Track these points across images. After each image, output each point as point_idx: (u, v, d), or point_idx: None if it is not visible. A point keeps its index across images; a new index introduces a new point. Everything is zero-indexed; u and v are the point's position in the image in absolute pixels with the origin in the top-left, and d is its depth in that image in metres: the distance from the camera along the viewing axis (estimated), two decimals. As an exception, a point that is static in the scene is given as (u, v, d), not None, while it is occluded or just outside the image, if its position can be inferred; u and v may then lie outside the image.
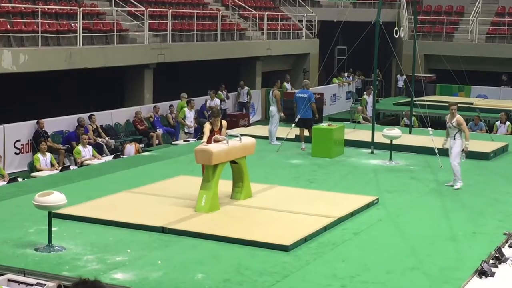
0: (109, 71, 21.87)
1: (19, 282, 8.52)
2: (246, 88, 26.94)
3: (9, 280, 8.50)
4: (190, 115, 21.71)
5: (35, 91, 20.68)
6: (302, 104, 17.66)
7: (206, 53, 25.60)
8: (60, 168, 16.10)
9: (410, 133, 19.84)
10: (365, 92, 27.24)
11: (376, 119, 19.55)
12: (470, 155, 16.96)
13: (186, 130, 21.57)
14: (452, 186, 13.99)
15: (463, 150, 13.93)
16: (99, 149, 18.49)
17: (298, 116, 17.58)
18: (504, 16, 34.23)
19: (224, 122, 12.39)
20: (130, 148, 18.38)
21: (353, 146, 17.80)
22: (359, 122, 22.95)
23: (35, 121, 18.29)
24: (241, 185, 12.17)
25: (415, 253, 9.89)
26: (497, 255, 9.50)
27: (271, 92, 18.85)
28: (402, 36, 18.68)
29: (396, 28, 18.73)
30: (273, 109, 18.47)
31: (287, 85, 27.70)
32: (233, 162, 12.02)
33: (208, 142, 11.77)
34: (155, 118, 22.13)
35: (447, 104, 25.72)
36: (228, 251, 9.77)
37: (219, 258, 9.50)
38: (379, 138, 16.85)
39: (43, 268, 8.93)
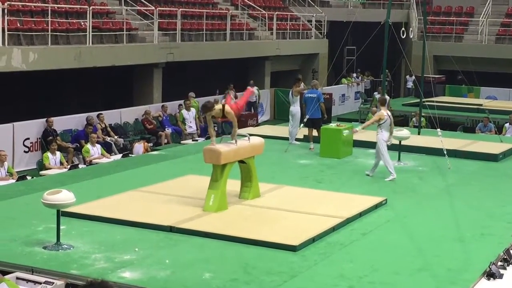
0: (118, 70, 21.91)
1: (28, 280, 8.54)
2: (255, 88, 26.86)
3: (17, 278, 8.53)
4: (189, 116, 21.76)
5: (45, 89, 20.74)
6: (311, 104, 17.64)
7: (215, 52, 25.61)
8: (69, 166, 16.14)
9: (419, 133, 19.81)
10: (375, 92, 27.22)
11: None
12: (478, 156, 17.01)
13: (187, 131, 21.61)
14: (368, 175, 14.74)
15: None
16: (108, 148, 18.53)
17: (307, 116, 17.57)
18: (514, 17, 34.14)
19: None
20: (139, 147, 18.41)
21: (362, 147, 17.77)
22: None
23: (44, 119, 18.35)
24: (249, 184, 12.17)
25: (423, 254, 9.86)
26: (505, 257, 9.47)
27: (290, 92, 18.69)
28: (411, 36, 18.60)
29: (403, 28, 18.68)
30: (293, 109, 18.29)
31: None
32: (241, 161, 12.02)
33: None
34: (164, 117, 22.16)
35: (456, 105, 25.71)
36: (236, 250, 9.77)
37: (226, 257, 9.50)
38: (388, 138, 16.81)
39: (51, 266, 8.95)
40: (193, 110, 22.07)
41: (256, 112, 26.73)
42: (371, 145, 17.71)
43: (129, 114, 21.50)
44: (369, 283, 8.74)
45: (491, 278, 8.91)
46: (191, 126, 21.68)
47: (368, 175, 14.76)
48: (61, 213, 9.81)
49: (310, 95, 17.99)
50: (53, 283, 8.38)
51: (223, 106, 11.66)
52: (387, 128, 14.65)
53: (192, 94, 22.80)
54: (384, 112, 14.63)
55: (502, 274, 9.01)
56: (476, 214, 12.13)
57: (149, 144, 19.49)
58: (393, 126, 14.94)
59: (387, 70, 19.54)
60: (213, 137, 11.73)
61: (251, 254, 9.63)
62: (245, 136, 12.23)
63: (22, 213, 11.34)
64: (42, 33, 19.38)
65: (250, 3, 30.23)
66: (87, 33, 20.47)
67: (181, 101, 22.84)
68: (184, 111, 21.83)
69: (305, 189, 13.36)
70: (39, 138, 18.25)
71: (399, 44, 18.86)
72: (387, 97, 21.26)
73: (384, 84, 19.44)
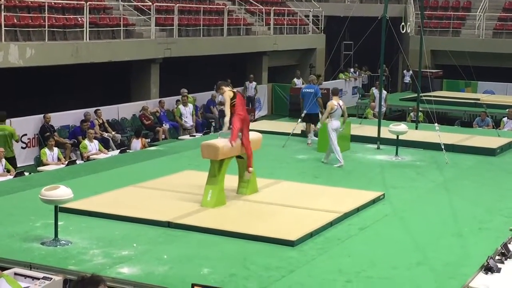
0: (115, 65, 21.88)
1: (26, 276, 8.54)
2: (254, 82, 26.88)
3: (15, 274, 8.52)
4: (186, 111, 21.75)
5: (42, 85, 20.70)
6: (308, 99, 17.65)
7: (213, 48, 25.59)
8: (66, 162, 16.12)
9: (416, 128, 19.82)
10: (373, 87, 27.18)
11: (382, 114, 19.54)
12: (476, 150, 17.03)
13: (183, 126, 21.60)
14: (323, 162, 15.49)
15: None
16: (105, 143, 18.52)
17: (305, 111, 17.58)
18: (511, 12, 34.10)
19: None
20: (136, 143, 18.40)
21: (359, 142, 17.78)
22: (365, 118, 22.87)
23: (42, 115, 18.32)
24: (247, 180, 12.17)
25: (421, 248, 9.88)
26: (503, 251, 9.48)
27: None
28: (409, 31, 18.62)
29: (403, 23, 18.70)
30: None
31: (297, 81, 27.63)
32: (239, 157, 12.02)
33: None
34: (161, 113, 22.15)
35: (454, 100, 25.68)
36: (234, 246, 9.77)
37: (225, 252, 9.51)
38: (385, 133, 16.83)
39: (49, 262, 8.96)
40: (190, 105, 22.07)
41: (253, 107, 26.73)
42: (369, 139, 17.80)
43: (126, 110, 21.48)
44: (367, 278, 8.75)
45: (489, 272, 8.91)
46: (186, 121, 21.67)
47: (323, 162, 15.48)
48: (59, 209, 9.81)
49: (307, 90, 18.02)
50: (51, 278, 8.39)
51: (232, 92, 11.89)
52: (338, 117, 15.25)
53: (184, 90, 22.69)
54: (335, 102, 15.29)
55: (500, 268, 9.02)
56: (474, 209, 12.14)
57: (147, 140, 19.48)
58: (346, 115, 15.60)
59: (384, 65, 19.52)
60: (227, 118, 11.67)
61: (249, 249, 9.64)
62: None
63: (20, 209, 11.33)
64: (39, 29, 19.33)
65: (247, -2, 30.21)
66: (84, 28, 20.42)
67: (179, 97, 22.82)
68: (181, 107, 21.82)
69: (303, 184, 13.37)
70: (37, 134, 18.22)
71: (396, 39, 18.85)
72: (384, 92, 21.30)
73: (382, 79, 19.42)
